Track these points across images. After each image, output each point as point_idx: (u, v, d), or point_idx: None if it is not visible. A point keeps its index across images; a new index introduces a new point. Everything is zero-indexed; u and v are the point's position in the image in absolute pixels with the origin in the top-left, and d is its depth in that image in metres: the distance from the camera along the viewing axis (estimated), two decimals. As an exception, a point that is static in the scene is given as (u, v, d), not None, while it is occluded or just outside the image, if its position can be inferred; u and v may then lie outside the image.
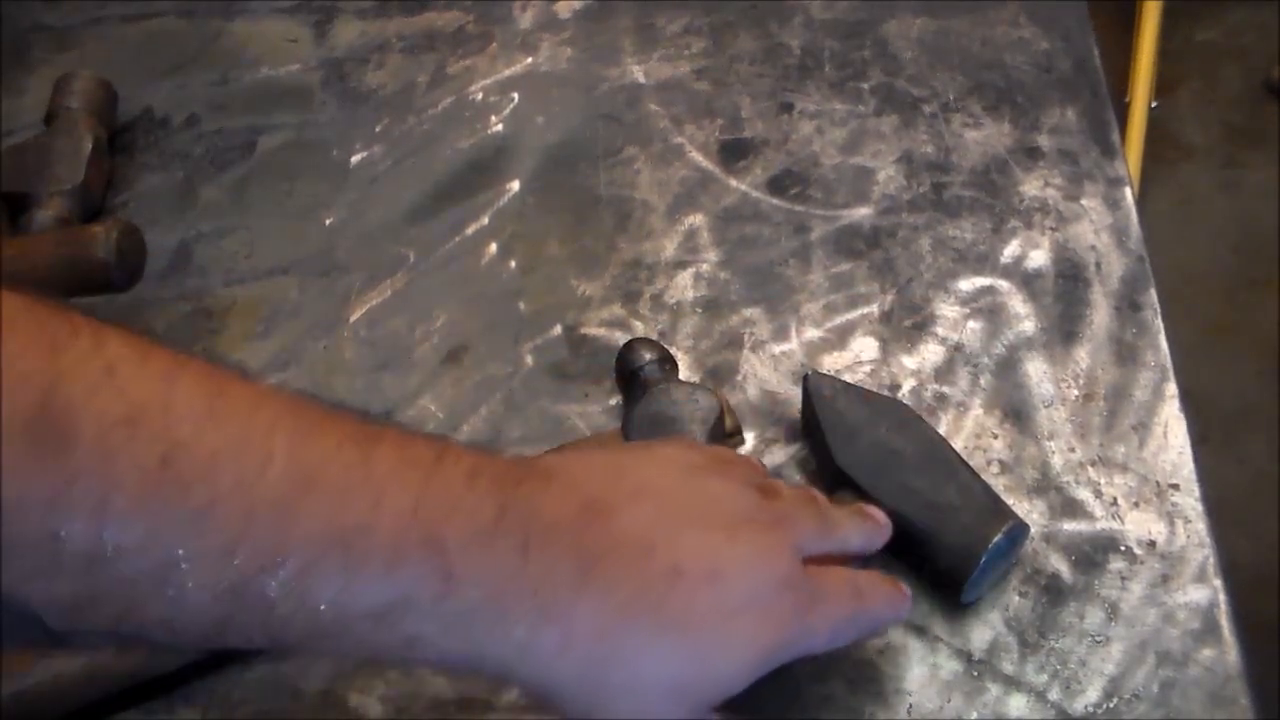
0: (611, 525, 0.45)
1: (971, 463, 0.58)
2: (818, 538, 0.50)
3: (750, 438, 0.63)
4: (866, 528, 0.53)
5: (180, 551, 0.36)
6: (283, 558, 0.37)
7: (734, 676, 0.45)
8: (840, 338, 0.67)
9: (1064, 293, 0.67)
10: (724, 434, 0.59)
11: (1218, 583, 0.56)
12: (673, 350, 0.64)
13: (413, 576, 0.40)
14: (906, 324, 0.67)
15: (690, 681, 0.44)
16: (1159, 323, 0.66)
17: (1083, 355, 0.64)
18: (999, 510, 0.55)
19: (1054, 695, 0.53)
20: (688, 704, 0.45)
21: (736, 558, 0.46)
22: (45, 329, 0.35)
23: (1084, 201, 0.71)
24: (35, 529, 0.34)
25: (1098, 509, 0.59)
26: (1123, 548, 0.57)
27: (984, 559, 0.53)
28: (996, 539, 0.53)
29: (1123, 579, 0.56)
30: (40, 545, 0.34)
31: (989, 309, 0.67)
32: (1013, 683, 0.53)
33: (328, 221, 0.76)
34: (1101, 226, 0.70)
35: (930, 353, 0.66)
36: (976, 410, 0.63)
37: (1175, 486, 0.59)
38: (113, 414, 0.35)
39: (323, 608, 0.38)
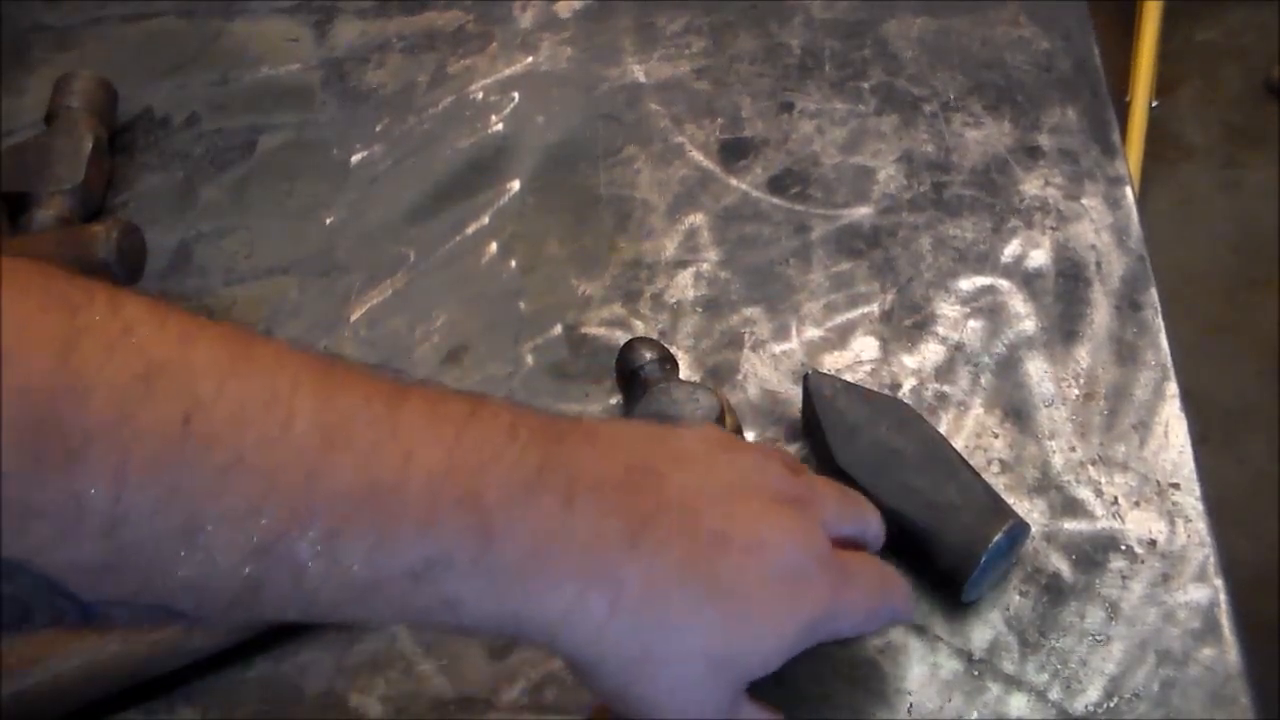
0: (660, 487, 0.44)
1: (972, 462, 0.58)
2: (842, 519, 0.49)
3: (750, 437, 0.63)
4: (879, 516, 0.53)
5: (204, 511, 0.35)
6: (310, 516, 0.36)
7: (772, 651, 0.44)
8: (840, 337, 0.67)
9: (1064, 292, 0.67)
10: (724, 433, 0.59)
11: (1218, 582, 0.56)
12: (673, 350, 0.64)
13: (449, 533, 0.38)
14: (907, 323, 0.67)
15: (732, 653, 0.43)
16: (1159, 322, 0.66)
17: (1083, 355, 0.64)
18: (999, 509, 0.55)
19: (1054, 695, 0.53)
20: (727, 678, 0.44)
21: (778, 528, 0.45)
22: (62, 293, 0.35)
23: (1084, 201, 0.71)
24: (55, 491, 0.34)
25: (1098, 508, 0.59)
26: (1123, 547, 0.57)
27: (984, 558, 0.53)
28: (997, 538, 0.53)
29: (1123, 578, 0.56)
30: (61, 508, 0.34)
31: (989, 308, 0.67)
32: (1013, 682, 0.53)
33: (328, 221, 0.76)
34: (1102, 226, 0.70)
35: (931, 352, 0.66)
36: (977, 409, 0.63)
37: (1176, 486, 0.59)
38: (130, 371, 0.35)
39: (356, 568, 0.37)
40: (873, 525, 0.52)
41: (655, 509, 0.43)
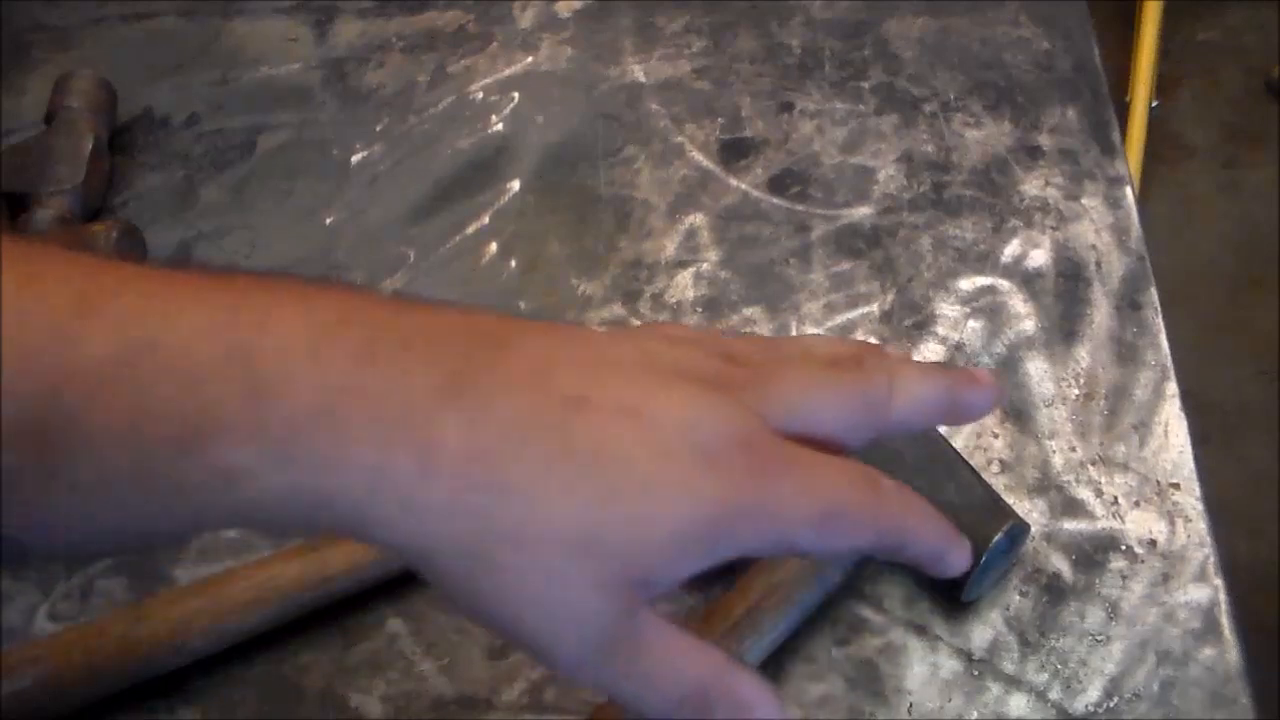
0: (499, 344, 0.36)
1: (972, 462, 0.58)
2: (817, 413, 0.39)
3: (750, 437, 0.62)
4: (936, 385, 0.41)
5: None
6: (61, 384, 0.32)
7: (666, 541, 0.34)
8: (841, 337, 0.67)
9: (1064, 292, 0.67)
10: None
11: (1218, 582, 0.56)
12: (673, 350, 0.64)
13: (214, 390, 0.32)
14: (907, 323, 0.67)
15: (606, 531, 0.34)
16: (1159, 322, 0.66)
17: (1083, 355, 0.64)
18: (999, 509, 0.55)
19: (1054, 694, 0.53)
20: (604, 572, 0.34)
21: (672, 396, 0.36)
22: None
23: (1084, 201, 0.71)
24: None
25: (1098, 508, 0.59)
26: (1123, 547, 0.57)
27: (984, 558, 0.53)
28: (997, 538, 0.53)
29: (1123, 578, 0.56)
30: None
31: (989, 308, 0.67)
32: (1013, 682, 0.53)
33: (328, 221, 0.76)
34: (1102, 226, 0.70)
35: (931, 352, 0.66)
36: (977, 410, 0.63)
37: (1176, 486, 0.59)
38: None
39: (111, 452, 0.32)
40: (910, 410, 0.41)
41: (487, 364, 0.35)
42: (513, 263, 0.73)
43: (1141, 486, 0.59)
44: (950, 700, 0.53)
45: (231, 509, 0.34)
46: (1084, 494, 0.59)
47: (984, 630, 0.55)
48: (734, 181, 0.75)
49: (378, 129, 0.81)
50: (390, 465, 0.33)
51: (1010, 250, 0.70)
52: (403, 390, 0.34)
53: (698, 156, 0.77)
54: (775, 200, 0.74)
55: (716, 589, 0.55)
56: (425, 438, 0.33)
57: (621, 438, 0.35)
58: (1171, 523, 0.58)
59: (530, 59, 0.84)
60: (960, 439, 0.61)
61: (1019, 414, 0.62)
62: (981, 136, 0.76)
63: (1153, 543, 0.57)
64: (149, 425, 0.32)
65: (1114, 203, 0.71)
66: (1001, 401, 0.43)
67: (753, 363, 0.39)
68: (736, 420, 0.36)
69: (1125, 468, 0.60)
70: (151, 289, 0.34)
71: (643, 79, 0.82)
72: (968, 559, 0.42)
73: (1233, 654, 0.54)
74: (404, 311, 0.36)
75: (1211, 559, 0.57)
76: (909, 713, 0.53)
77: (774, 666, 0.54)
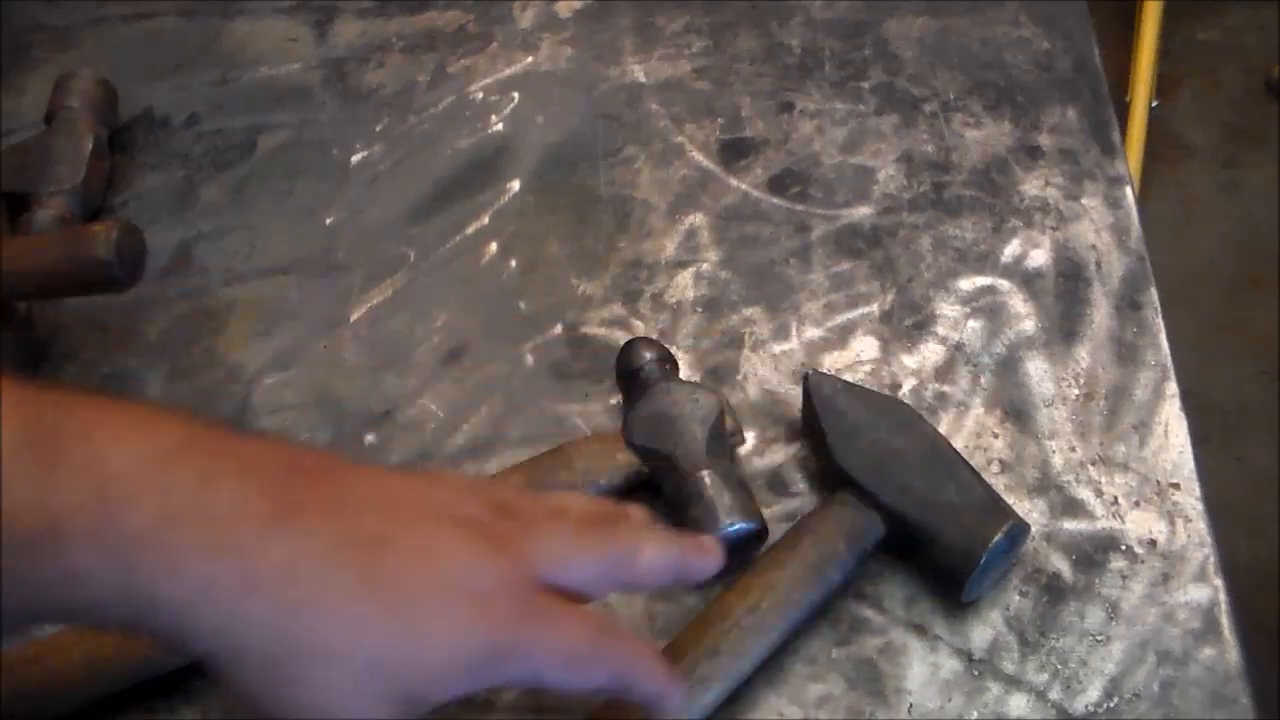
0: (322, 485, 0.41)
1: (972, 462, 0.57)
2: (567, 569, 0.44)
3: (750, 437, 0.63)
4: (670, 553, 0.47)
5: None
6: None
7: (445, 665, 0.40)
8: (841, 337, 0.67)
9: (1064, 292, 0.67)
10: (724, 433, 0.59)
11: (1218, 582, 0.56)
12: (673, 350, 0.64)
13: (65, 498, 0.36)
14: (907, 323, 0.67)
15: (396, 660, 0.39)
16: (1159, 322, 0.66)
17: (1083, 354, 0.64)
18: (999, 509, 0.55)
19: (1054, 694, 0.53)
20: (391, 690, 0.39)
21: (454, 544, 0.42)
22: None
23: (1084, 201, 0.71)
24: None
25: (1098, 508, 0.59)
26: (1123, 547, 0.57)
27: (984, 558, 0.53)
28: (997, 538, 0.53)
29: (1123, 578, 0.56)
30: None
31: (989, 308, 0.67)
32: (1013, 682, 0.53)
33: (328, 221, 0.76)
34: (1102, 226, 0.70)
35: (930, 352, 0.66)
36: (977, 409, 0.63)
37: (1175, 486, 0.59)
38: None
39: None
40: (645, 567, 0.46)
41: (312, 501, 0.40)
42: (513, 263, 0.73)
43: (1141, 486, 0.59)
44: (950, 700, 0.53)
45: (70, 606, 0.38)
46: (1084, 494, 0.59)
47: (984, 630, 0.55)
48: (734, 181, 0.75)
49: (378, 129, 0.81)
50: (218, 577, 0.37)
51: (1010, 250, 0.70)
52: (237, 513, 0.38)
53: (698, 156, 0.77)
54: (775, 200, 0.74)
55: (716, 589, 0.55)
56: (251, 556, 0.38)
57: (414, 578, 0.40)
58: (1171, 523, 0.58)
59: (530, 59, 0.84)
60: (960, 439, 0.61)
61: (1019, 414, 0.62)
62: (981, 136, 0.76)
63: (1153, 543, 0.57)
64: (4, 523, 0.35)
65: (1114, 203, 0.71)
66: (720, 566, 0.49)
67: (520, 518, 0.45)
68: (505, 570, 0.42)
69: (1125, 468, 0.60)
70: (17, 403, 0.37)
71: (643, 79, 0.82)
72: (677, 701, 0.47)
73: (1233, 654, 0.54)
74: (239, 441, 0.41)
75: (1211, 559, 0.57)
76: (909, 713, 0.53)
77: (774, 666, 0.54)
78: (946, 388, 0.64)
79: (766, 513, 0.57)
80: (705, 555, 0.48)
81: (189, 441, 0.39)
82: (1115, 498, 0.59)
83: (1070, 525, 0.58)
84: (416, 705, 0.40)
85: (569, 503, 0.48)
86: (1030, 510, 0.58)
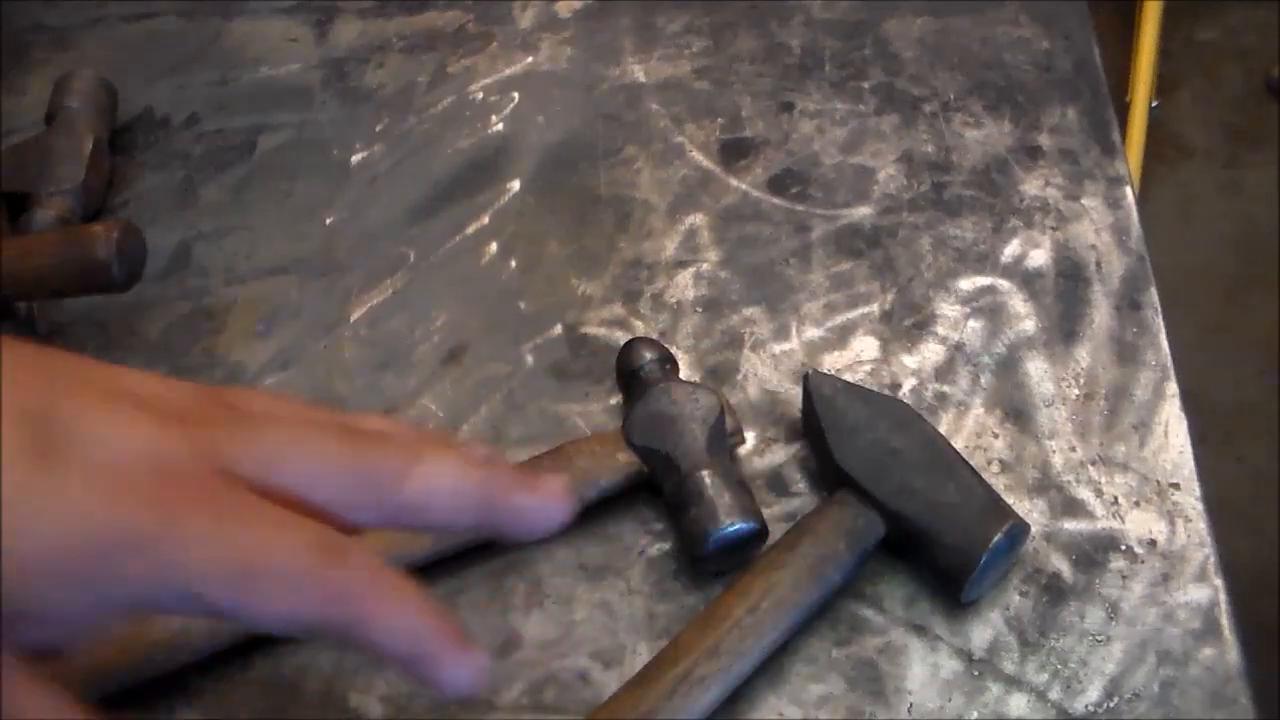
0: None
1: (972, 462, 0.57)
2: (282, 457, 0.34)
3: (751, 437, 0.63)
4: (463, 476, 0.36)
5: None
6: None
7: (29, 559, 0.29)
8: (840, 337, 0.67)
9: (1064, 292, 0.67)
10: (724, 433, 0.59)
11: (1218, 582, 0.56)
12: (673, 350, 0.64)
13: None
14: (907, 323, 0.67)
15: None
16: (1159, 322, 0.66)
17: (1083, 355, 0.64)
18: (999, 509, 0.55)
19: (1054, 695, 0.53)
20: None
21: (88, 414, 0.32)
22: None
23: (1084, 201, 0.71)
24: None
25: (1098, 508, 0.59)
26: (1123, 547, 0.57)
27: (984, 558, 0.53)
28: (997, 538, 0.53)
29: (1123, 578, 0.56)
30: None
31: (989, 308, 0.67)
32: (1013, 682, 0.53)
33: (328, 221, 0.76)
34: (1102, 226, 0.70)
35: (930, 352, 0.66)
36: (977, 410, 0.63)
37: (1176, 486, 0.59)
38: None
39: None
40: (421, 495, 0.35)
41: None
42: (513, 263, 0.73)
43: (1141, 486, 0.59)
44: (950, 700, 0.53)
45: None
46: (1084, 494, 0.59)
47: (984, 630, 0.55)
48: (734, 181, 0.75)
49: (378, 129, 0.81)
50: None
51: (1010, 250, 0.70)
52: None
53: (698, 156, 0.77)
54: (775, 200, 0.74)
55: (716, 589, 0.56)
56: None
57: (29, 453, 0.30)
58: (1171, 523, 0.58)
59: (530, 59, 0.84)
60: (960, 439, 0.61)
61: (1019, 414, 0.62)
62: (981, 136, 0.76)
63: (1153, 543, 0.57)
64: None
65: (1114, 203, 0.71)
66: (567, 521, 0.37)
67: (248, 410, 0.35)
68: (167, 448, 0.32)
69: (1125, 468, 0.60)
70: None
71: (643, 79, 0.82)
72: (470, 671, 0.35)
73: (1233, 654, 0.54)
74: None
75: (1211, 559, 0.57)
76: (909, 713, 0.53)
77: (774, 666, 0.54)
78: (946, 388, 0.64)
79: (766, 513, 0.57)
80: (535, 496, 0.36)
81: None
82: (1115, 498, 0.59)
83: (1070, 525, 0.58)
84: (8, 624, 0.30)
85: (357, 418, 0.37)
86: (1030, 510, 0.58)
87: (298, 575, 0.32)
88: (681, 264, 0.71)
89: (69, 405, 0.31)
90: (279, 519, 0.32)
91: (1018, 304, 0.67)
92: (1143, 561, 0.57)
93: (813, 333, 0.67)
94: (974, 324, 0.66)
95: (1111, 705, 0.52)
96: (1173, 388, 0.63)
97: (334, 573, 0.32)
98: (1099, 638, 0.54)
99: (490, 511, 0.36)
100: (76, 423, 0.31)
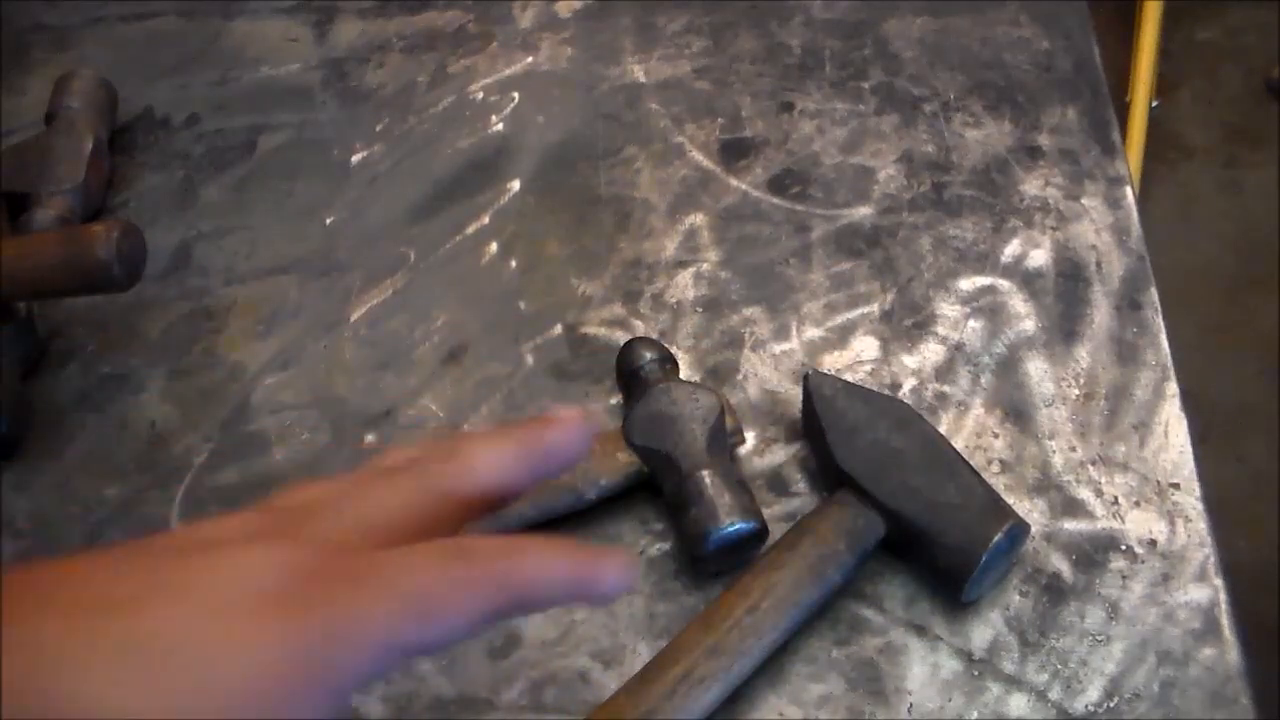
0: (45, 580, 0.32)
1: (972, 462, 0.57)
2: (374, 507, 0.36)
3: (751, 437, 0.63)
4: (504, 446, 0.39)
5: None
6: None
7: (251, 704, 0.30)
8: (841, 337, 0.67)
9: (1064, 292, 0.67)
10: (724, 433, 0.59)
11: (1218, 582, 0.56)
12: (673, 350, 0.64)
13: None
14: (907, 323, 0.67)
15: (167, 715, 0.29)
16: (1159, 322, 0.66)
17: (1083, 354, 0.64)
18: (999, 509, 0.55)
19: (1055, 694, 0.53)
20: None
21: (207, 564, 0.32)
22: None
23: (1084, 201, 0.71)
24: None
25: (1098, 508, 0.59)
26: (1123, 547, 0.57)
27: (984, 558, 0.53)
28: (997, 538, 0.53)
29: (1123, 578, 0.56)
30: None
31: (989, 308, 0.67)
32: (1013, 682, 0.53)
33: (328, 221, 0.76)
34: (1102, 226, 0.70)
35: (931, 352, 0.66)
36: (977, 409, 0.63)
37: (1176, 486, 0.59)
38: None
39: None
40: (466, 469, 0.38)
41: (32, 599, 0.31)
42: (513, 263, 0.73)
43: (1141, 486, 0.59)
44: (950, 700, 0.53)
45: None
46: (1084, 494, 0.59)
47: (984, 630, 0.55)
48: (734, 181, 0.75)
49: (378, 129, 0.81)
50: None
51: (1010, 250, 0.70)
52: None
53: (698, 156, 0.77)
54: (775, 200, 0.74)
55: (716, 589, 0.56)
56: None
57: (156, 614, 0.31)
58: (1171, 523, 0.58)
59: (530, 59, 0.84)
60: (960, 439, 0.61)
61: (1019, 414, 0.62)
62: (981, 136, 0.76)
63: (1153, 543, 0.57)
64: None
65: (1114, 203, 0.71)
66: (592, 436, 0.40)
67: (301, 500, 0.37)
68: (289, 553, 0.33)
69: (1125, 468, 0.60)
70: None
71: (643, 79, 0.82)
72: (624, 570, 0.37)
73: (1233, 654, 0.54)
74: None
75: (1211, 559, 0.57)
76: (909, 713, 0.53)
77: (774, 666, 0.54)
78: (946, 388, 0.64)
79: (766, 513, 0.57)
80: (556, 428, 0.39)
81: None
82: (1115, 498, 0.59)
83: (1070, 525, 0.58)
84: None
85: (374, 460, 0.39)
86: (1030, 510, 0.58)
87: (452, 585, 0.34)
88: (681, 264, 0.71)
89: (166, 571, 0.32)
90: (410, 554, 0.34)
91: (1018, 304, 0.67)
92: (1143, 561, 0.57)
93: (813, 333, 0.67)
94: (974, 324, 0.66)
95: (1111, 705, 0.52)
96: (1173, 388, 0.63)
97: (478, 564, 0.35)
98: (1099, 638, 0.54)
99: (533, 455, 0.39)
100: (203, 576, 0.32)
